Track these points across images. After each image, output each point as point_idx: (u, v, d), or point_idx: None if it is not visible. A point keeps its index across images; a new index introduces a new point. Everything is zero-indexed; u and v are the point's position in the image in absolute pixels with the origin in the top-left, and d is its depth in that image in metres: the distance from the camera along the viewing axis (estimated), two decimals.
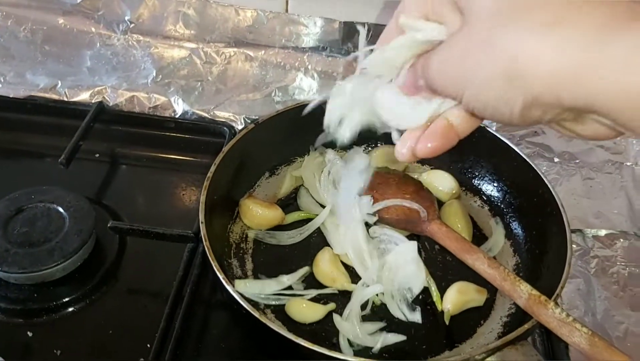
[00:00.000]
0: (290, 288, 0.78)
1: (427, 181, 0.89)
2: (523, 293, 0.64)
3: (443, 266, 0.83)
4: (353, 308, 0.75)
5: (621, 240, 0.90)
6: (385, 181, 0.84)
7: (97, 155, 1.03)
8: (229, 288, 0.65)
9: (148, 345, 0.75)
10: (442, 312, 0.76)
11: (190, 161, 1.03)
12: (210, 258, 0.67)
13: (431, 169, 0.93)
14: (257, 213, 0.81)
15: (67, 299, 0.83)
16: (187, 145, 1.04)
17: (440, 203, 0.88)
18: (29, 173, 0.99)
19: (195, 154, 1.03)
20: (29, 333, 0.78)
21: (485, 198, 0.91)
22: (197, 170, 0.98)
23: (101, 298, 0.84)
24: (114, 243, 0.89)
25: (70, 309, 0.82)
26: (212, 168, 0.76)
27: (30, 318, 0.81)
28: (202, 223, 0.70)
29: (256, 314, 0.63)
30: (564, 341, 0.72)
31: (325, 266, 0.79)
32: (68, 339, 0.79)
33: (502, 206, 0.88)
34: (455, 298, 0.77)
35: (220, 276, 0.65)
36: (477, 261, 0.72)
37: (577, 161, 1.00)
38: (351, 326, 0.73)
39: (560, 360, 0.72)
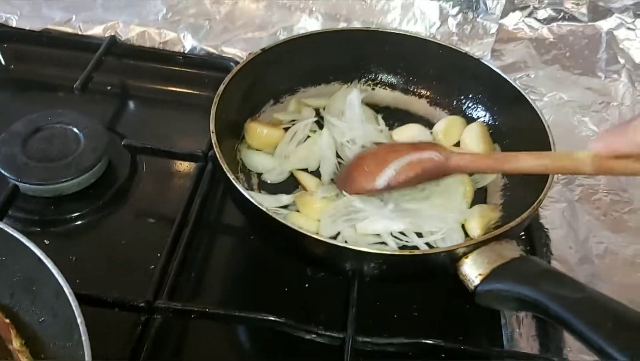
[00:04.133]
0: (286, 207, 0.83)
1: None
2: (586, 159, 0.63)
3: None
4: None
5: None
6: (376, 153, 0.83)
7: (109, 87, 1.08)
8: (239, 187, 0.69)
9: (158, 254, 0.80)
10: None
11: (197, 95, 1.08)
12: (220, 160, 0.71)
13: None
14: (263, 133, 0.86)
15: (81, 212, 0.88)
16: (195, 79, 1.09)
17: None
18: (45, 101, 1.04)
19: (202, 88, 1.08)
20: (45, 241, 0.83)
21: None
22: (204, 102, 1.01)
23: (114, 213, 0.89)
24: (126, 165, 0.94)
25: (85, 221, 0.87)
26: (222, 87, 0.81)
27: (46, 227, 0.86)
28: (212, 132, 0.75)
29: (269, 212, 0.67)
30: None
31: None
32: (82, 247, 0.85)
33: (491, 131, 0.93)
34: (480, 222, 0.79)
35: (230, 176, 0.70)
36: (521, 162, 0.69)
37: (566, 99, 1.05)
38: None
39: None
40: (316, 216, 0.80)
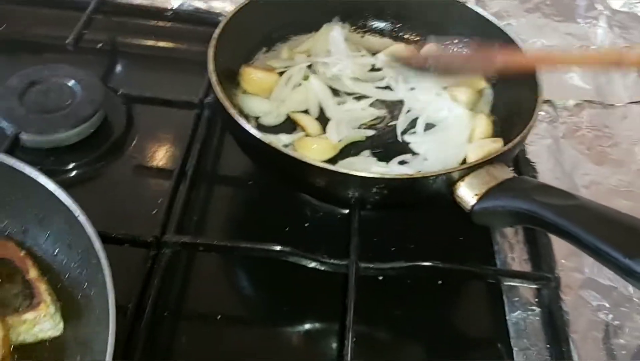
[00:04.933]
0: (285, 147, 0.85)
1: None
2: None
3: None
4: None
5: (587, 109, 0.99)
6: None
7: (100, 45, 1.08)
8: (241, 121, 0.71)
9: (160, 200, 0.81)
10: None
11: (188, 50, 1.09)
12: (220, 97, 0.73)
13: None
14: (258, 77, 0.88)
15: (81, 162, 0.89)
16: (185, 34, 1.10)
17: None
18: (38, 60, 1.03)
19: (192, 43, 1.09)
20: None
21: None
22: (195, 57, 1.03)
23: (114, 163, 0.90)
24: (122, 118, 0.95)
25: (85, 171, 0.89)
26: (217, 30, 0.83)
27: (48, 177, 0.87)
28: (212, 72, 0.76)
29: (271, 143, 0.69)
30: None
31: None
32: (83, 197, 0.84)
33: None
34: (480, 154, 0.80)
35: (231, 111, 0.72)
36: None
37: (547, 44, 1.09)
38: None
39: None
40: (315, 157, 0.82)
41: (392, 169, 0.80)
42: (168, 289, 0.75)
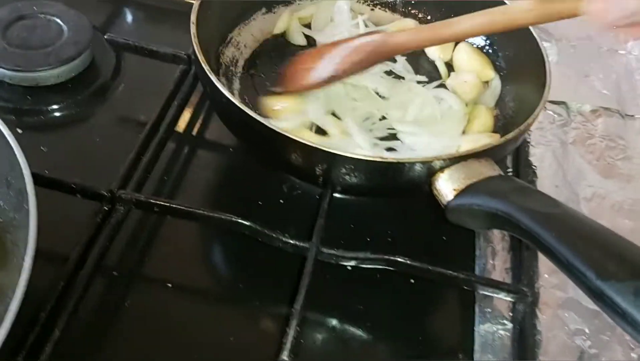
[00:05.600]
0: None
1: None
2: (526, 7, 0.63)
3: None
4: None
5: (603, 117, 0.92)
6: (311, 52, 0.82)
7: None
8: (212, 77, 0.66)
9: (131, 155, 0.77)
10: None
11: (185, 3, 1.03)
12: (197, 50, 0.68)
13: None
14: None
15: (58, 105, 0.85)
16: None
17: None
18: None
19: None
20: (18, 130, 0.80)
21: None
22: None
23: (91, 111, 0.87)
24: (110, 65, 0.91)
25: (60, 114, 0.85)
26: None
27: (21, 117, 0.83)
28: (192, 23, 0.71)
29: (241, 106, 0.64)
30: None
31: None
32: (55, 140, 0.82)
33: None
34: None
35: (205, 67, 0.67)
36: (459, 25, 0.70)
37: (574, 44, 1.01)
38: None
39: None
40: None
41: (374, 153, 0.74)
42: (125, 249, 0.71)
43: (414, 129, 0.79)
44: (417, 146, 0.77)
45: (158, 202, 0.70)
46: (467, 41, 0.89)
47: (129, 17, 1.03)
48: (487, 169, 0.63)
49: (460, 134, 0.78)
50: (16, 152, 0.59)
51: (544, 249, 0.53)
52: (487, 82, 0.85)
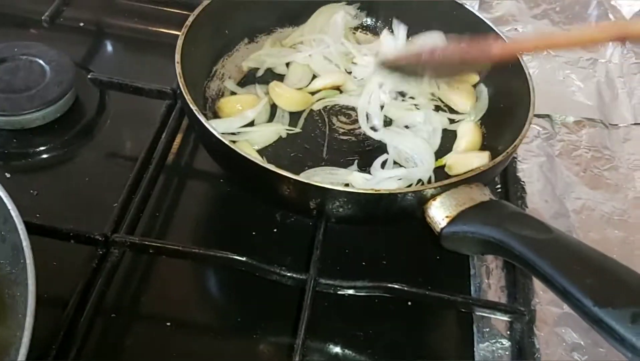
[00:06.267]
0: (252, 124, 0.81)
1: None
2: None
3: None
4: None
5: (587, 127, 0.93)
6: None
7: (82, 24, 1.04)
8: (195, 111, 0.66)
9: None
10: None
11: (173, 35, 1.04)
12: (183, 88, 0.68)
13: None
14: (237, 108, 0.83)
15: (45, 147, 0.85)
16: (174, 18, 1.04)
17: None
18: (14, 36, 1.00)
19: (172, 26, 1.03)
20: (6, 174, 0.80)
21: None
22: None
23: (78, 150, 0.86)
24: (94, 102, 0.91)
25: (48, 156, 0.85)
26: (190, 18, 0.78)
27: (8, 161, 0.83)
28: (177, 62, 0.71)
29: (229, 144, 0.65)
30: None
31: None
32: (44, 182, 0.82)
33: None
34: (460, 167, 0.77)
35: (194, 108, 0.67)
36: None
37: (553, 54, 1.02)
38: None
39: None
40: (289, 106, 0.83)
41: (375, 176, 0.76)
42: (121, 289, 0.71)
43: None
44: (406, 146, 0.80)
45: (153, 243, 0.70)
46: None
47: (109, 49, 1.03)
48: (478, 195, 0.64)
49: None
50: (8, 205, 0.59)
51: (540, 276, 0.54)
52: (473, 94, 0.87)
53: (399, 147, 0.80)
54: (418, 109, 0.85)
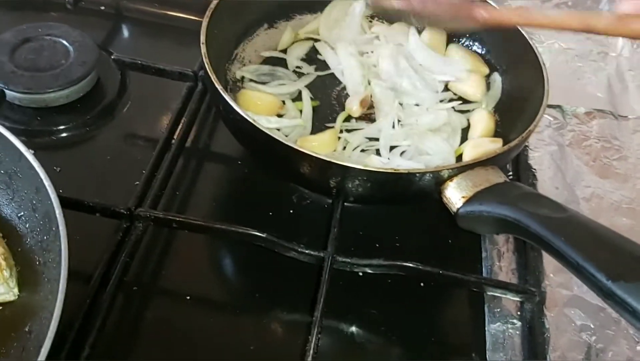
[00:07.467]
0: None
1: None
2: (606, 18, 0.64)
3: None
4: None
5: (597, 118, 0.95)
6: None
7: (103, 7, 1.06)
8: (224, 95, 0.68)
9: (143, 171, 0.78)
10: None
11: (193, 20, 1.06)
12: (207, 68, 0.70)
13: None
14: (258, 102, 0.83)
15: (67, 125, 0.87)
16: (193, 3, 1.06)
17: None
18: (37, 19, 1.01)
19: (199, 12, 1.05)
20: (30, 150, 0.81)
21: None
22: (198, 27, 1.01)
23: (100, 129, 0.88)
24: (115, 83, 0.93)
25: (71, 134, 0.87)
26: (214, 2, 0.79)
27: (32, 137, 0.85)
28: (202, 43, 0.73)
29: (255, 122, 0.66)
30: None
31: None
32: (67, 160, 0.84)
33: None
34: (475, 152, 0.78)
35: (217, 84, 0.69)
36: (540, 15, 0.71)
37: (565, 47, 1.04)
38: None
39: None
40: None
41: (393, 161, 0.77)
42: (142, 264, 0.73)
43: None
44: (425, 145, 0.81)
45: (176, 218, 0.72)
46: (460, 43, 0.93)
47: (128, 33, 1.05)
48: (493, 176, 0.66)
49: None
50: (41, 175, 0.61)
51: (554, 252, 0.56)
52: (487, 83, 0.89)
53: (419, 146, 0.81)
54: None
